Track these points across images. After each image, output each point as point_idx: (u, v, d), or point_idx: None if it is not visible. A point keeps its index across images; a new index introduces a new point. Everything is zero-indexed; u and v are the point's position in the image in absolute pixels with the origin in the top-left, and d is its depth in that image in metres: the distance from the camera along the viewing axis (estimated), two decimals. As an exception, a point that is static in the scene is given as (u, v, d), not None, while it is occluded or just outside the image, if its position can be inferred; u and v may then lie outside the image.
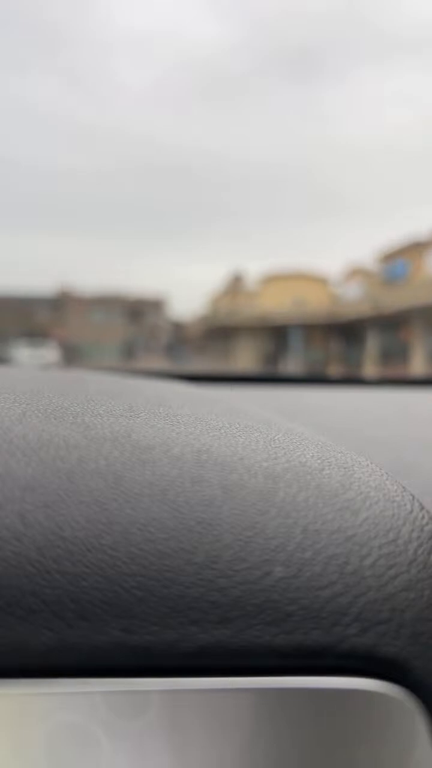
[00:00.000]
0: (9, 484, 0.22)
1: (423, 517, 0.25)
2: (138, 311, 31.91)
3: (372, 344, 20.15)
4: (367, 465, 0.29)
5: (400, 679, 0.20)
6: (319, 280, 25.37)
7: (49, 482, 0.22)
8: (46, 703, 0.19)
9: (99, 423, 0.29)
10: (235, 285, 26.59)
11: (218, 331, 25.19)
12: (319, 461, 0.28)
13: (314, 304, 23.32)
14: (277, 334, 22.81)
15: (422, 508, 0.26)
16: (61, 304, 31.99)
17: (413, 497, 0.27)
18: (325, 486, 0.25)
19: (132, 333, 31.06)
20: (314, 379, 1.31)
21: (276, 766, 0.20)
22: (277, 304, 23.51)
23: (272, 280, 25.60)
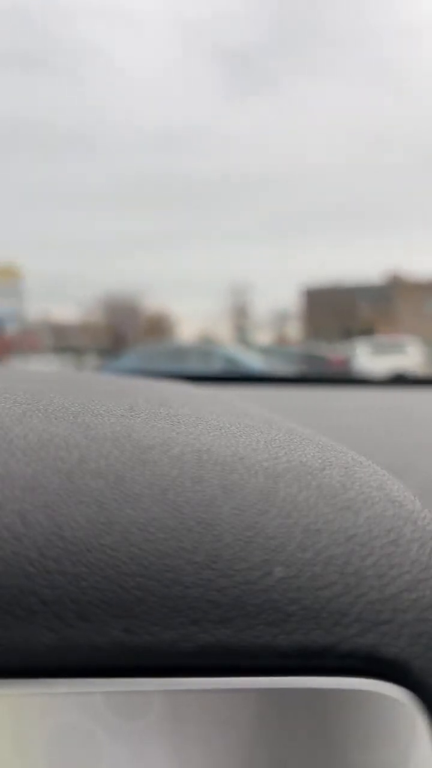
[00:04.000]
0: (9, 484, 0.22)
1: (425, 517, 0.25)
2: None
3: None
4: (368, 465, 0.29)
5: (401, 680, 0.20)
6: None
7: (49, 482, 0.22)
8: (46, 703, 0.19)
9: (99, 423, 0.29)
10: None
11: None
12: (319, 461, 0.28)
13: None
14: None
15: (424, 507, 0.26)
16: (390, 293, 26.01)
17: (414, 497, 0.27)
18: (326, 486, 0.25)
19: None
20: (314, 379, 1.31)
21: (276, 766, 0.20)
22: None
23: None
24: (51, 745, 0.19)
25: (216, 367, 8.62)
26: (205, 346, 12.89)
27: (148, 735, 0.19)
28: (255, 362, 9.50)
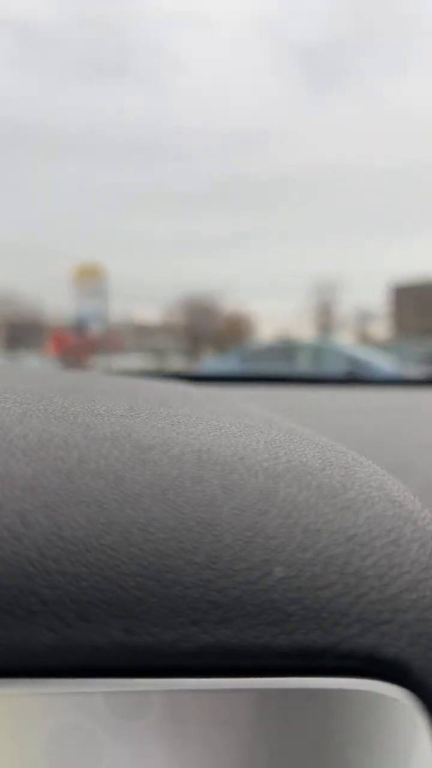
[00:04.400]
0: (9, 484, 0.22)
1: (425, 517, 0.25)
2: None
3: None
4: (368, 465, 0.29)
5: (401, 680, 0.20)
6: None
7: (49, 482, 0.22)
8: (46, 703, 0.19)
9: (99, 423, 0.29)
10: None
11: None
12: (320, 461, 0.28)
13: None
14: None
15: (424, 507, 0.26)
16: None
17: (415, 497, 0.27)
18: (326, 486, 0.25)
19: None
20: (314, 379, 1.31)
21: (276, 766, 0.19)
22: None
23: None
24: (51, 745, 0.19)
25: (333, 367, 6.87)
26: (321, 344, 11.59)
27: (148, 735, 0.19)
28: (382, 363, 7.00)
